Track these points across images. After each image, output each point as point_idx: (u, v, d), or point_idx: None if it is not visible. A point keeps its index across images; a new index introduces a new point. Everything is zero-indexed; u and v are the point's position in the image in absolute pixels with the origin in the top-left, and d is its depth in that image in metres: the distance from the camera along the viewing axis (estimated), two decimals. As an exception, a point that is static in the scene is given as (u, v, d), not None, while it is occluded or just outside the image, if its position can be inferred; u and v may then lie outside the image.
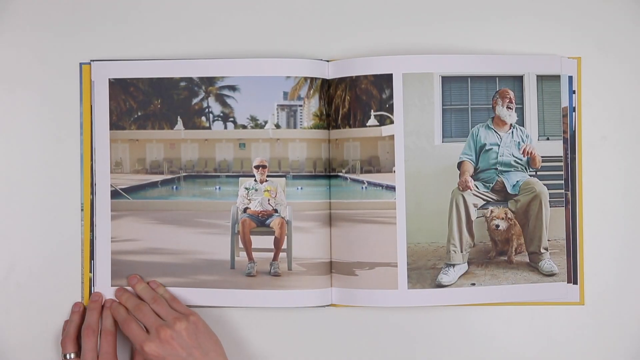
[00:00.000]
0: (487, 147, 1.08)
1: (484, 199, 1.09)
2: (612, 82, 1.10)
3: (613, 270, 1.09)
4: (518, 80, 1.08)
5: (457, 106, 1.08)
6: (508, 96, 1.08)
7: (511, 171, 1.09)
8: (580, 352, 1.08)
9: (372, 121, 1.07)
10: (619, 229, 1.09)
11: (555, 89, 1.08)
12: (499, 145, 1.08)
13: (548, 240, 1.08)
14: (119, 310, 1.04)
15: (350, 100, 1.07)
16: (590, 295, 1.08)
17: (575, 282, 1.08)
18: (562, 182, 1.08)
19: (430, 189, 1.07)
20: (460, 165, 1.08)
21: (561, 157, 1.08)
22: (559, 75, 1.08)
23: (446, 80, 1.07)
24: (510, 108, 1.08)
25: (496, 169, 1.09)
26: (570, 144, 1.08)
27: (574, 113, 1.09)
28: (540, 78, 1.08)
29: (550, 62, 1.08)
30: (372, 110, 1.07)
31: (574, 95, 1.09)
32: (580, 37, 1.10)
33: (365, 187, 1.07)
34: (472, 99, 1.08)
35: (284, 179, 1.09)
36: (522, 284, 1.07)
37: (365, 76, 1.06)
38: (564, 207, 1.08)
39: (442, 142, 1.07)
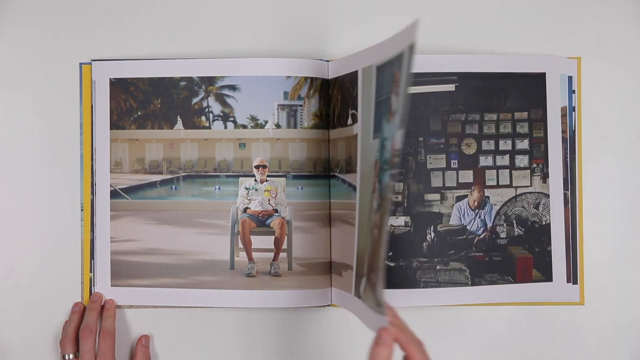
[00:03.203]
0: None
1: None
2: (612, 82, 1.10)
3: (613, 270, 1.09)
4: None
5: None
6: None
7: None
8: (580, 352, 1.08)
9: (350, 120, 1.05)
10: (619, 228, 1.09)
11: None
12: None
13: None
14: None
15: (340, 99, 1.06)
16: (590, 295, 1.08)
17: (575, 282, 1.08)
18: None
19: None
20: None
21: None
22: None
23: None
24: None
25: None
26: (570, 144, 1.08)
27: (573, 113, 1.09)
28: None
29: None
30: (349, 109, 1.05)
31: (573, 95, 1.09)
32: (580, 37, 1.10)
33: (347, 187, 1.05)
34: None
35: (284, 178, 1.09)
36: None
37: (347, 74, 1.04)
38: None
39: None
